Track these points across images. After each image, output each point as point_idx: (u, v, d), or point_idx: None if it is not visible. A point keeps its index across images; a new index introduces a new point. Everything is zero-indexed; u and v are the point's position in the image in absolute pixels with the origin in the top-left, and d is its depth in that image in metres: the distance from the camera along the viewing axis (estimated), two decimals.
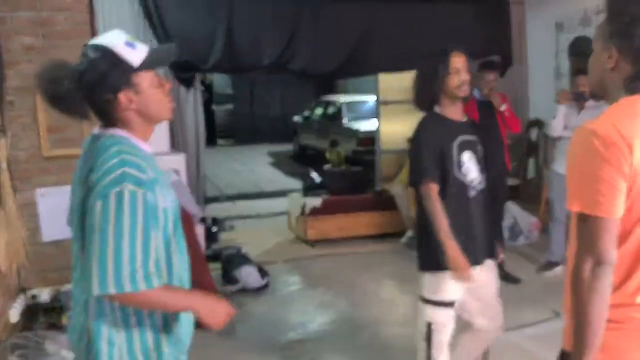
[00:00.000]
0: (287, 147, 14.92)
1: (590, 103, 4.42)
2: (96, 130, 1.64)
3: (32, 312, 3.33)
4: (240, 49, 5.46)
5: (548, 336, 3.52)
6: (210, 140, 13.95)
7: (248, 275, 4.80)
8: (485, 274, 2.72)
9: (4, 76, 3.32)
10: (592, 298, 1.44)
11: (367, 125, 10.16)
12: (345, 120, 11.49)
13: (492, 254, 2.77)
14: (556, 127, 4.69)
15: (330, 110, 12.50)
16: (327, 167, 7.44)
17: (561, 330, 1.60)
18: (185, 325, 1.66)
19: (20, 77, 3.38)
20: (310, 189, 6.46)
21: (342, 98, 12.65)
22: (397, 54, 5.88)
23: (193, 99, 5.94)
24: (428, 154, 2.61)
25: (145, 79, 1.58)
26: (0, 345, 2.78)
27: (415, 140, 2.73)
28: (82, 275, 1.57)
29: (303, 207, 6.14)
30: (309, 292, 4.87)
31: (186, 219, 3.97)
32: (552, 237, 4.98)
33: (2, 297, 3.00)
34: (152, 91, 1.60)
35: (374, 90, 7.52)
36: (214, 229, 6.22)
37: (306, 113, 13.73)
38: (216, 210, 7.43)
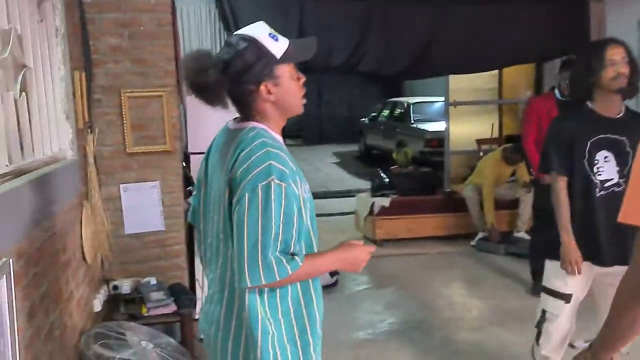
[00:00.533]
0: (352, 148, 14.93)
1: None
2: (231, 123, 1.68)
3: (114, 303, 3.46)
4: None
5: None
6: None
7: None
8: (608, 279, 2.55)
9: (92, 75, 3.47)
10: (623, 319, 1.33)
11: (434, 126, 10.04)
12: (412, 121, 11.39)
13: (622, 261, 2.46)
14: None
15: (397, 111, 12.42)
16: (394, 167, 7.39)
17: None
18: (319, 302, 1.68)
19: (107, 76, 3.52)
20: (378, 189, 6.43)
21: (410, 99, 12.55)
22: (467, 56, 5.76)
23: None
24: (558, 146, 2.65)
25: (285, 71, 1.61)
26: (85, 334, 2.90)
27: (550, 130, 2.79)
28: (224, 267, 1.61)
29: (372, 207, 6.12)
30: (377, 291, 4.85)
31: None
32: None
33: (87, 287, 3.14)
34: (290, 84, 1.63)
35: (442, 91, 7.40)
36: None
37: (373, 114, 13.70)
38: None
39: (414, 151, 9.84)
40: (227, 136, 1.65)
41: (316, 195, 9.01)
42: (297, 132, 17.04)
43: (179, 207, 3.80)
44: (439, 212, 6.23)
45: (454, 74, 6.73)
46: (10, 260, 1.74)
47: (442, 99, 7.82)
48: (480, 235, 6.00)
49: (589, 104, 2.64)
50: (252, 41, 1.56)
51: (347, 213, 7.17)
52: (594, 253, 2.59)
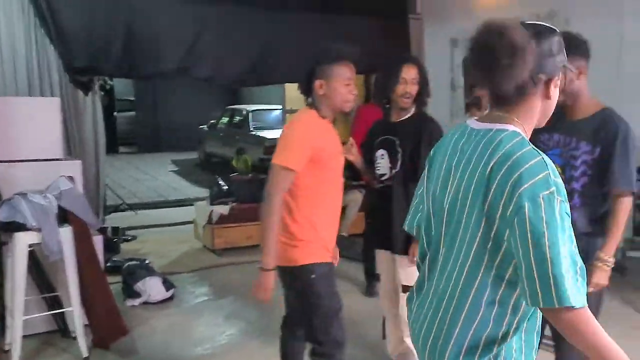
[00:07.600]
0: (192, 156, 14.59)
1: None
2: (472, 122, 1.49)
3: None
4: (141, 52, 5.19)
5: None
6: (112, 148, 13.40)
7: (151, 287, 4.58)
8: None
9: None
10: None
11: (273, 134, 10.15)
12: (251, 129, 11.43)
13: (384, 246, 3.11)
14: None
15: (237, 118, 12.42)
16: (234, 175, 7.31)
17: None
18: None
19: None
20: (217, 197, 6.30)
21: (249, 106, 12.59)
22: (300, 64, 5.85)
23: (92, 104, 5.65)
24: (365, 144, 3.12)
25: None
26: None
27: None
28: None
29: (210, 216, 5.98)
30: (217, 302, 4.73)
31: (82, 229, 3.70)
32: None
33: None
34: None
35: (279, 99, 7.49)
36: (116, 239, 5.93)
37: (212, 121, 13.52)
38: (117, 219, 7.07)
39: (253, 158, 9.87)
40: (471, 137, 1.48)
41: (154, 205, 8.68)
42: (132, 140, 16.31)
43: None
44: None
45: (288, 82, 6.82)
46: None
47: (280, 106, 7.91)
48: None
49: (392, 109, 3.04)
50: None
51: (187, 222, 6.94)
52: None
